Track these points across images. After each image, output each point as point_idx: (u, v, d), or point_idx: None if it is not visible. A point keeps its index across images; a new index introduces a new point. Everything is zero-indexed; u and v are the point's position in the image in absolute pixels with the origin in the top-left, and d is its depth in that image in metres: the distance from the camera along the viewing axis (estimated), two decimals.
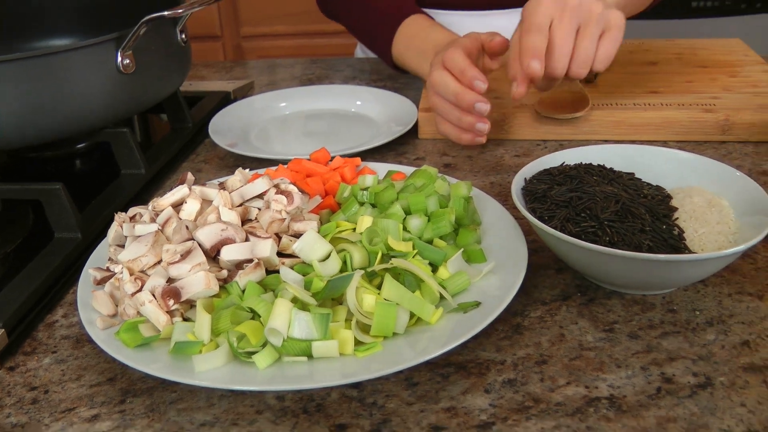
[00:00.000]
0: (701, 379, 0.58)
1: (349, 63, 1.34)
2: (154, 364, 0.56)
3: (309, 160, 0.83)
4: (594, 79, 1.03)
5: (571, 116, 0.94)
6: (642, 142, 0.94)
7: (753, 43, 2.23)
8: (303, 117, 1.10)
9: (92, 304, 0.63)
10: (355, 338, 0.58)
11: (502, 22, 1.23)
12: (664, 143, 0.95)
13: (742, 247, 0.59)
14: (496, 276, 0.65)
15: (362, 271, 0.61)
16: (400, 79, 1.22)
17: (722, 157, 0.91)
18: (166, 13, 0.86)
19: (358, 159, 0.83)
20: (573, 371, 0.59)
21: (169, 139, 1.00)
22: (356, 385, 0.58)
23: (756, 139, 0.94)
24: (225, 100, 1.16)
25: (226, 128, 1.02)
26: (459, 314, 0.61)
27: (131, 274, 0.62)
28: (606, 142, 0.96)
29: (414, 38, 1.07)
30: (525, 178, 0.73)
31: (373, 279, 0.62)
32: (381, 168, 0.83)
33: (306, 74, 1.31)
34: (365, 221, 0.66)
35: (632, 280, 0.64)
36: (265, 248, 0.63)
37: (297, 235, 0.66)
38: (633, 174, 0.76)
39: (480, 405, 0.56)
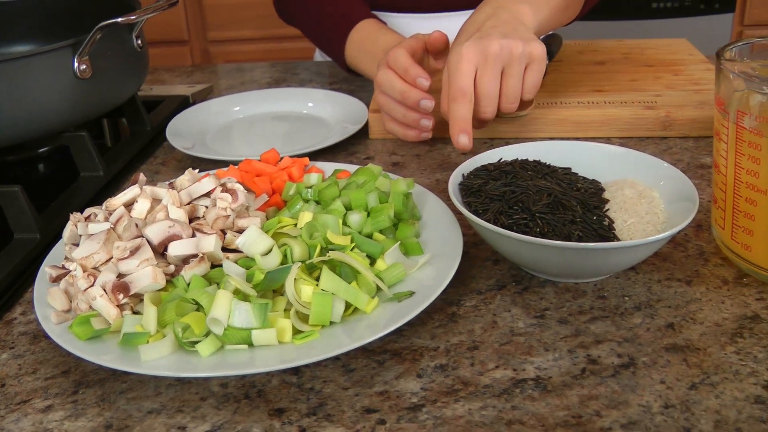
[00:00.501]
0: (625, 359, 0.60)
1: (306, 66, 1.37)
2: (105, 356, 0.59)
3: (259, 160, 0.86)
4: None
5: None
6: (586, 139, 0.97)
7: (712, 42, 2.28)
8: (258, 119, 1.13)
9: (47, 301, 0.65)
10: (294, 327, 0.60)
11: (451, 25, 1.26)
12: (608, 140, 0.99)
13: (663, 235, 0.62)
14: (432, 267, 0.68)
15: (300, 264, 0.63)
16: (355, 81, 1.25)
17: (663, 152, 0.94)
18: (119, 19, 0.89)
19: (306, 159, 0.86)
20: (503, 355, 0.62)
21: (127, 142, 1.03)
22: (296, 372, 0.61)
23: (696, 134, 0.97)
24: (184, 103, 1.18)
25: (183, 131, 1.05)
26: (394, 303, 0.63)
27: (84, 271, 0.65)
28: (551, 139, 0.99)
29: (364, 42, 1.10)
30: (463, 174, 0.76)
31: (313, 271, 0.65)
32: (329, 167, 0.86)
33: (265, 78, 1.33)
34: (305, 217, 0.69)
35: (563, 268, 0.67)
36: (210, 243, 0.66)
37: (241, 231, 0.69)
38: (569, 169, 0.79)
39: (411, 389, 0.59)
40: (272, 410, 0.57)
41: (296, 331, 0.61)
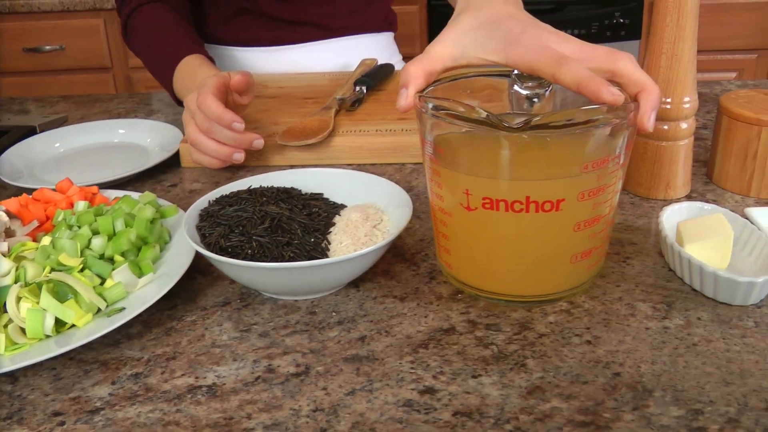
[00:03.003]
0: (301, 368, 0.67)
1: (159, 97, 1.44)
2: None
3: (54, 190, 0.93)
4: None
5: (301, 143, 1.04)
6: (381, 165, 1.07)
7: None
8: (90, 149, 1.22)
9: None
10: (13, 340, 0.69)
11: (285, 57, 1.34)
12: (402, 165, 1.06)
13: (348, 256, 0.71)
14: (155, 285, 0.74)
15: (21, 283, 0.70)
16: None
17: None
18: None
19: (95, 188, 0.93)
20: (193, 365, 0.68)
21: None
22: (14, 381, 0.68)
23: None
24: (29, 133, 1.24)
25: (14, 162, 1.12)
26: (105, 318, 0.70)
27: None
28: (348, 165, 1.06)
29: (186, 77, 1.17)
30: (209, 201, 0.83)
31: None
32: (122, 194, 0.93)
33: (117, 108, 1.41)
34: (45, 240, 0.76)
35: (274, 286, 0.73)
36: None
37: None
38: (321, 194, 0.86)
39: (101, 394, 0.65)
40: None
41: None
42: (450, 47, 0.71)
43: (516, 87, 0.76)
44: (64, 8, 2.78)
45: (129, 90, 2.88)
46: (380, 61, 1.38)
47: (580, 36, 2.64)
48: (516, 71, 0.76)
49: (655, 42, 0.90)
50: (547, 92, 0.76)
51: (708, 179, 1.00)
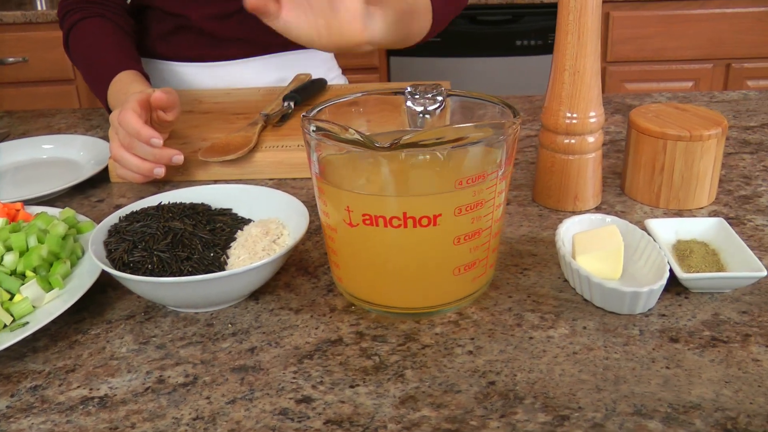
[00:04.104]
0: (189, 378, 0.70)
1: (101, 112, 1.47)
2: None
3: None
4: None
5: (221, 159, 1.06)
6: (301, 179, 1.10)
7: None
8: (22, 164, 1.24)
9: None
10: None
11: (230, 72, 1.37)
12: None
13: (230, 272, 0.74)
14: (60, 300, 0.77)
15: None
16: None
17: None
18: None
19: (20, 204, 0.95)
20: (90, 377, 0.71)
21: None
22: None
23: None
24: None
25: None
26: (8, 332, 0.73)
27: None
28: (269, 180, 1.09)
29: (119, 93, 1.20)
30: (119, 217, 0.86)
31: None
32: (48, 210, 0.96)
33: (59, 124, 1.43)
34: None
35: (169, 299, 0.76)
36: None
37: None
38: (230, 209, 0.89)
39: None
40: None
41: None
42: None
43: (409, 103, 0.79)
44: (27, 20, 2.80)
45: (92, 102, 2.90)
46: (318, 76, 1.41)
47: (536, 47, 2.68)
48: (409, 88, 0.79)
49: (558, 59, 0.93)
50: (440, 108, 0.79)
51: (621, 191, 1.04)
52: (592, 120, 0.94)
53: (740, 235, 0.90)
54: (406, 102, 0.80)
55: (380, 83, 1.44)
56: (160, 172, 1.03)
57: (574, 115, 0.93)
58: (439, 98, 0.79)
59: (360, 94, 0.81)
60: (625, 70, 2.95)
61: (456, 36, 2.87)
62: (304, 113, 0.73)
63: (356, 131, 0.65)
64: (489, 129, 0.68)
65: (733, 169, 1.11)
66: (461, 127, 0.66)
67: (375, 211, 0.68)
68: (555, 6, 0.91)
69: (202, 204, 0.88)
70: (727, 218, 0.95)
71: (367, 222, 0.69)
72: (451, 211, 0.68)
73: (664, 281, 0.75)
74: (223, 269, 0.77)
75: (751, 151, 1.18)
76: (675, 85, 2.94)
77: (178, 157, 1.03)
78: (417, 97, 0.80)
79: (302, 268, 0.87)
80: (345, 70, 1.62)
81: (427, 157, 0.70)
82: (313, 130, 0.69)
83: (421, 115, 0.80)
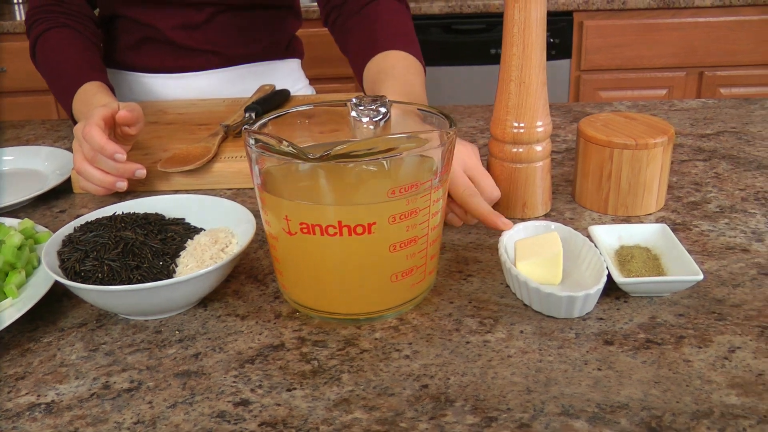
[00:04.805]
0: (134, 384, 0.72)
1: (70, 124, 1.49)
2: None
3: None
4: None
5: (180, 169, 1.09)
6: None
7: (554, 86, 2.45)
8: None
9: None
10: None
11: (192, 84, 1.40)
12: None
13: (168, 281, 0.76)
14: (14, 308, 0.79)
15: None
16: None
17: None
18: None
19: None
20: (39, 383, 0.73)
21: None
22: None
23: None
24: None
25: None
26: None
27: None
28: (228, 190, 1.12)
29: (83, 104, 1.22)
30: (74, 227, 0.88)
31: None
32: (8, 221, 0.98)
33: (27, 135, 1.46)
34: None
35: (117, 307, 0.79)
36: None
37: None
38: (183, 219, 0.91)
39: None
40: None
41: None
42: None
43: (353, 114, 0.82)
44: (4, 30, 2.82)
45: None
46: (284, 87, 1.43)
47: None
48: (354, 100, 0.82)
49: (504, 70, 0.95)
50: (384, 118, 0.82)
51: (572, 198, 1.06)
52: (540, 129, 0.96)
53: (685, 241, 0.93)
54: (351, 113, 0.82)
55: (334, 94, 1.47)
56: (122, 185, 1.05)
57: (521, 125, 0.95)
58: (382, 109, 0.82)
59: (306, 107, 0.83)
60: (598, 78, 2.98)
61: (431, 45, 2.90)
62: (245, 126, 0.75)
63: (289, 143, 0.67)
64: (421, 139, 0.70)
65: (685, 176, 1.14)
66: (392, 138, 0.69)
67: (311, 219, 0.70)
68: None
69: (156, 214, 0.90)
70: (674, 224, 0.97)
71: (305, 230, 0.71)
72: (385, 220, 0.70)
73: (600, 286, 0.77)
74: (172, 277, 0.79)
75: (705, 158, 1.21)
76: (649, 92, 2.98)
77: (141, 171, 1.06)
78: (362, 108, 0.82)
79: (252, 276, 0.89)
80: (320, 80, 1.64)
81: (362, 166, 0.72)
82: (252, 143, 0.71)
83: (365, 125, 0.82)
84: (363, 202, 0.71)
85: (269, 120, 0.79)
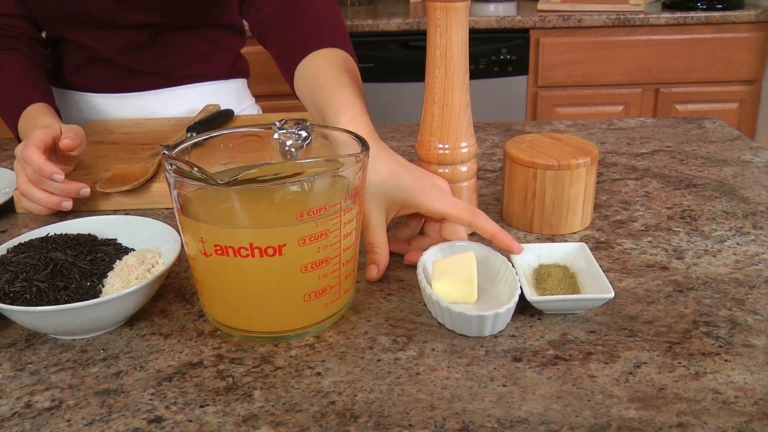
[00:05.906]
0: (55, 403, 0.74)
1: (16, 143, 1.51)
2: None
3: None
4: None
5: (118, 189, 1.12)
6: None
7: (511, 101, 2.51)
8: None
9: None
10: None
11: (141, 103, 1.43)
12: None
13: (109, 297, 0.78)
14: None
15: None
16: None
17: None
18: None
19: None
20: None
21: None
22: None
23: None
24: None
25: None
26: None
27: None
28: (166, 209, 1.14)
29: (27, 125, 1.25)
30: (7, 248, 0.90)
31: None
32: None
33: None
34: None
35: (44, 327, 0.81)
36: None
37: None
38: (115, 240, 0.94)
39: None
40: None
41: None
42: (377, 214, 0.92)
43: (276, 136, 0.85)
44: None
45: None
46: (229, 107, 1.46)
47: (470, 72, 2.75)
48: (277, 123, 0.85)
49: (428, 92, 0.99)
50: (306, 142, 0.85)
51: (500, 217, 1.10)
52: (464, 150, 0.99)
53: (607, 259, 0.96)
54: (273, 135, 0.85)
55: (279, 114, 1.49)
56: (67, 205, 1.08)
57: (446, 146, 0.99)
58: (303, 133, 0.85)
59: (227, 131, 0.86)
60: (555, 95, 3.03)
61: (389, 61, 2.94)
62: (165, 151, 0.78)
63: (200, 169, 0.70)
64: (331, 163, 0.73)
65: (614, 195, 1.17)
66: (299, 163, 0.72)
67: (224, 241, 0.74)
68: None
69: (88, 235, 0.93)
70: (598, 242, 1.01)
71: (219, 252, 0.74)
72: (295, 241, 0.74)
73: (511, 305, 0.80)
74: (90, 298, 0.81)
75: (637, 177, 1.25)
76: (606, 109, 3.03)
77: (85, 190, 1.09)
78: (284, 131, 0.85)
79: (180, 295, 0.92)
80: (269, 96, 1.67)
81: (270, 190, 0.75)
82: (169, 168, 0.74)
83: (288, 148, 0.85)
84: (273, 225, 0.74)
85: (188, 144, 0.82)
